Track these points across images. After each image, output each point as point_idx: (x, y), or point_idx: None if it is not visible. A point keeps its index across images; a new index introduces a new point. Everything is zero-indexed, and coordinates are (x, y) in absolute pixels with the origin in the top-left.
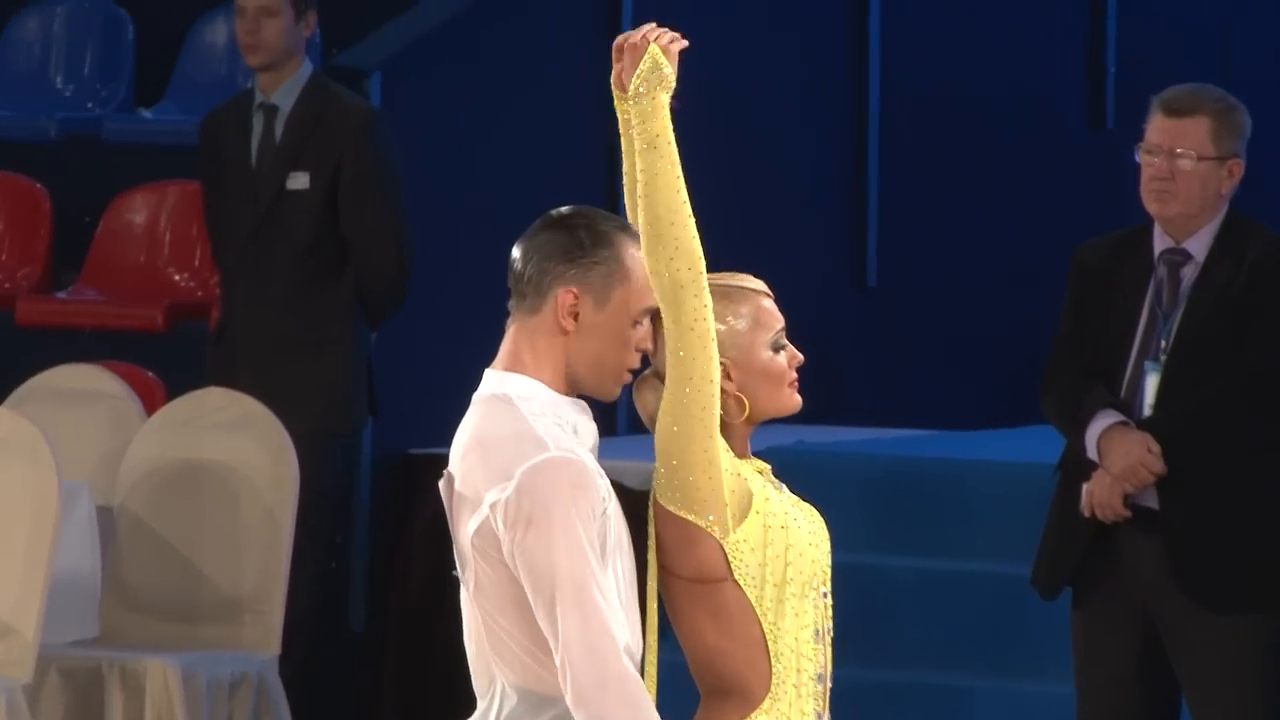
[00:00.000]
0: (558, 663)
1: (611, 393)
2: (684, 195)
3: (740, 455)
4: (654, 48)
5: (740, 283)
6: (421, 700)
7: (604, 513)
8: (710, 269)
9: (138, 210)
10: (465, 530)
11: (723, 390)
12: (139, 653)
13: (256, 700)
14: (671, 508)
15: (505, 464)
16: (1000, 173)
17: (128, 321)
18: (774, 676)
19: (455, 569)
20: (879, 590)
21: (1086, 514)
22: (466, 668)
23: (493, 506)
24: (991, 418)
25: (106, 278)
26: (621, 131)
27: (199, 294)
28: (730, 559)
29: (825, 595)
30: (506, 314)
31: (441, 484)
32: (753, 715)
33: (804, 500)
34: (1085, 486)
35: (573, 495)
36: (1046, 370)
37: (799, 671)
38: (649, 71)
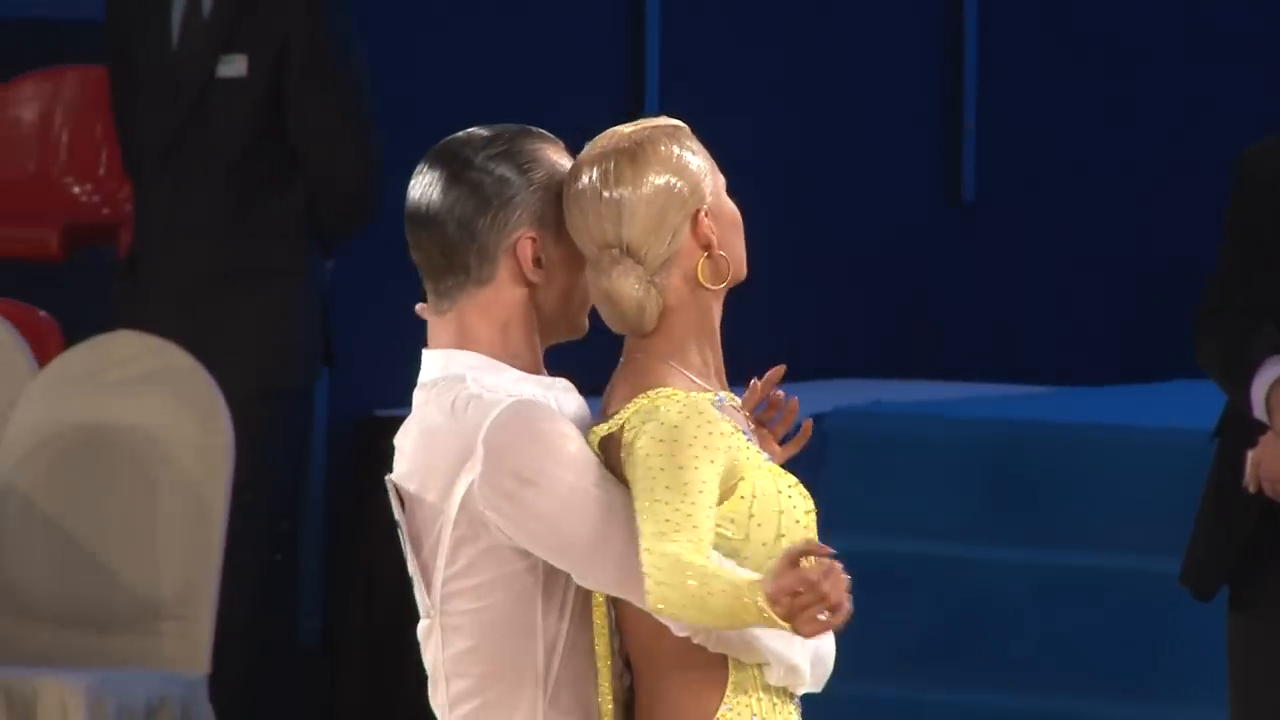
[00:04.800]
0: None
1: (584, 325)
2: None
3: (709, 342)
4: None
5: (671, 121)
6: None
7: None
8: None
9: (25, 104)
10: (427, 546)
11: (705, 249)
12: (30, 669)
13: None
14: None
15: (464, 441)
16: (1136, 56)
17: (13, 247)
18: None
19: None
20: (981, 592)
21: (1253, 490)
22: None
23: (463, 501)
24: (1126, 370)
25: None
26: None
27: (105, 212)
28: None
29: None
30: None
31: (391, 493)
32: (727, 696)
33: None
34: (1251, 455)
35: (553, 434)
36: (1203, 308)
37: None
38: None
